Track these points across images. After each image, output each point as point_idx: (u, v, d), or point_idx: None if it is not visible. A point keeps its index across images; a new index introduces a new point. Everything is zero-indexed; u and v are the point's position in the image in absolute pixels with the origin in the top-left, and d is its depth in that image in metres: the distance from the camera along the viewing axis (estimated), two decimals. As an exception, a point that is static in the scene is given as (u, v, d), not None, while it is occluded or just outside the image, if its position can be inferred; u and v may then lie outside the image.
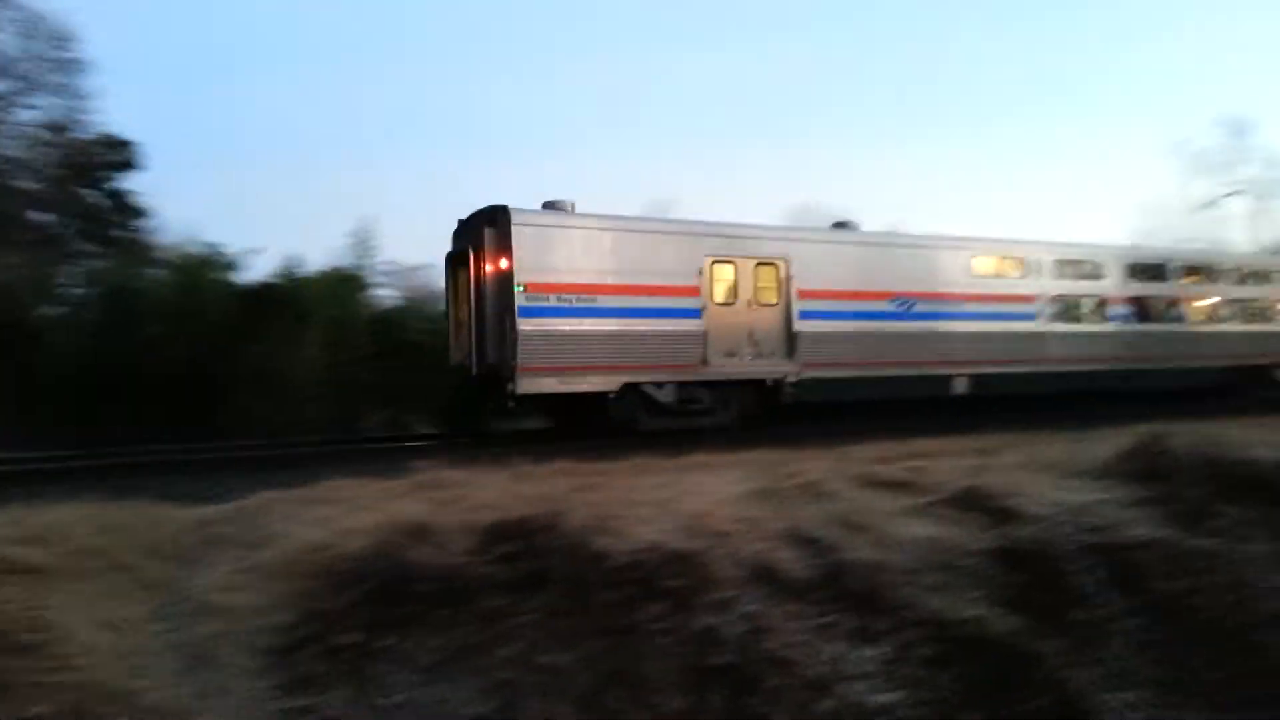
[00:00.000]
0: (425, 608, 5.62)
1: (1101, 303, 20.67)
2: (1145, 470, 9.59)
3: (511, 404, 14.76)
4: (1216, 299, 22.62)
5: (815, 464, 9.58)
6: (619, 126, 77.80)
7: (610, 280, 15.17)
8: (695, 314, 15.76)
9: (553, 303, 14.61)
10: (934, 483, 9.00)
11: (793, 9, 77.82)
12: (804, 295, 16.72)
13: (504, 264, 14.49)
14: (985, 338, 18.59)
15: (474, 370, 14.86)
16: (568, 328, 14.69)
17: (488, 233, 14.81)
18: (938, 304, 18.30)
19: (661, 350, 15.40)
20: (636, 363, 15.16)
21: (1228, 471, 9.28)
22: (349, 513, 6.64)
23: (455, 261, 15.78)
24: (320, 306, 19.74)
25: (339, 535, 6.12)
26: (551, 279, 14.64)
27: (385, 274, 23.69)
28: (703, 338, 15.75)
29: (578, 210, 15.64)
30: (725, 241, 16.48)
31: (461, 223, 16.06)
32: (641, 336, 15.23)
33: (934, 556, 7.22)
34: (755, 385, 16.39)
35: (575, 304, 14.78)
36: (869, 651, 6.10)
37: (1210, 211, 62.12)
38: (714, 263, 16.14)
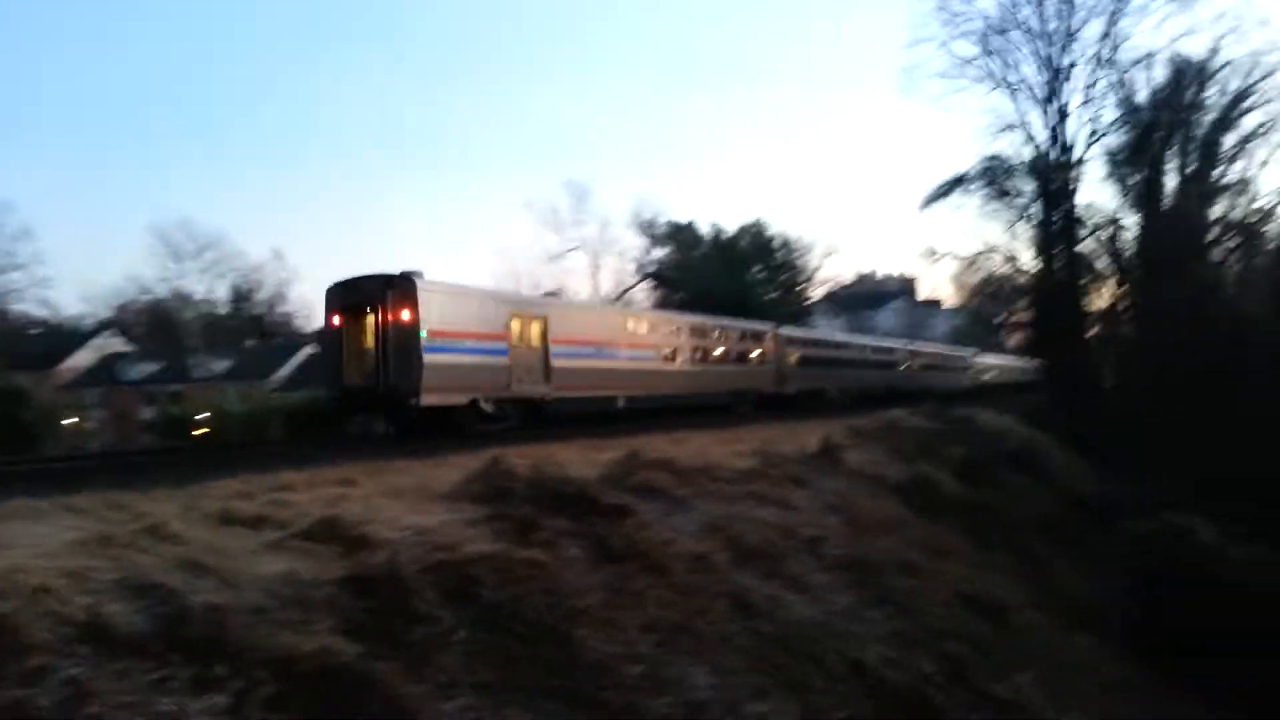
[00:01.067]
0: None
1: (681, 351, 30.84)
2: (489, 491, 10.67)
3: (414, 414, 19.62)
4: (722, 350, 33.75)
5: (163, 505, 8.82)
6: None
7: (466, 329, 21.01)
8: (504, 352, 22.02)
9: (438, 344, 19.83)
10: (292, 515, 8.90)
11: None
12: (555, 341, 23.56)
13: (407, 315, 19.43)
14: (630, 372, 27.14)
15: (379, 390, 19.49)
16: (449, 360, 20.17)
17: (390, 293, 19.62)
18: (612, 349, 26.66)
19: (493, 377, 21.67)
20: (477, 385, 21.13)
21: (553, 489, 10.76)
22: None
23: (346, 311, 20.36)
24: None
25: None
26: (440, 328, 19.97)
27: None
28: (508, 369, 22.08)
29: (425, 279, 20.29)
30: (517, 304, 24.06)
31: (347, 285, 20.60)
32: (481, 367, 21.35)
33: (285, 591, 7.10)
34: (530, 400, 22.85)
35: (451, 344, 20.29)
36: (207, 701, 5.75)
37: (558, 263, 72.45)
38: (513, 317, 22.66)
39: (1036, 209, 46.85)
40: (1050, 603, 17.11)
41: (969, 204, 48.54)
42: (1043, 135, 46.41)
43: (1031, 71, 46.38)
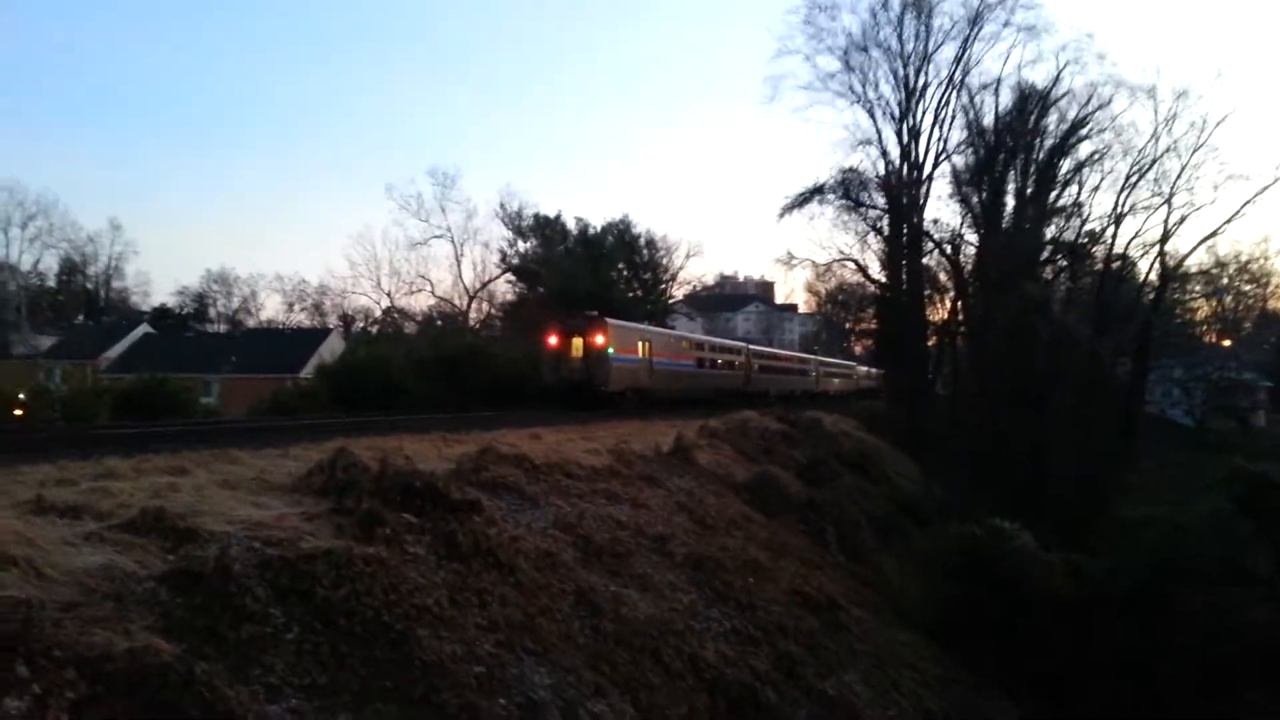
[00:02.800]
0: None
1: (704, 359, 44.35)
2: (332, 484, 10.35)
3: (602, 396, 31.88)
4: (722, 360, 46.42)
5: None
6: None
7: (624, 348, 34.14)
8: (637, 361, 35.35)
9: (616, 356, 33.06)
10: (115, 505, 8.40)
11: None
12: (655, 354, 36.83)
13: (600, 340, 32.48)
14: (676, 374, 39.72)
15: (584, 381, 32.07)
16: (620, 365, 33.39)
17: (590, 326, 33.15)
18: (674, 358, 39.82)
19: (634, 376, 34.58)
20: (630, 380, 34.50)
21: (401, 483, 10.52)
22: None
23: (561, 335, 33.26)
24: None
25: None
26: (616, 347, 33.21)
27: None
28: (637, 371, 35.49)
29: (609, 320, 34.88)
30: (641, 333, 37.12)
31: (562, 320, 34.48)
32: (631, 370, 34.46)
33: (101, 586, 6.70)
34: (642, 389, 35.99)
35: (620, 357, 33.47)
36: (1, 707, 5.36)
37: (420, 250, 70.77)
38: (643, 341, 36.52)
39: (886, 222, 49.14)
40: (877, 600, 18.02)
41: (825, 214, 50.37)
42: (896, 152, 48.84)
43: (889, 90, 48.74)
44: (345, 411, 27.90)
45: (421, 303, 73.13)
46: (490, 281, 69.93)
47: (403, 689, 7.22)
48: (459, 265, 69.63)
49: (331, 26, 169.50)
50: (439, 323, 69.86)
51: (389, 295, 72.44)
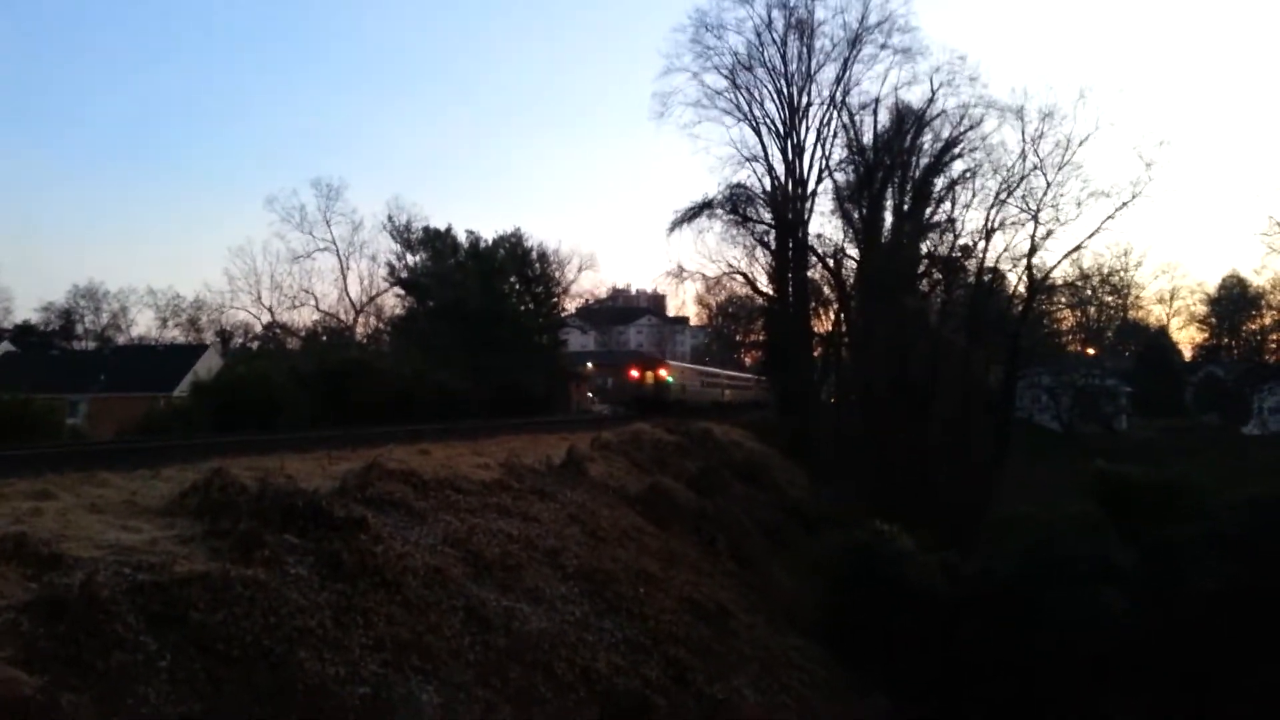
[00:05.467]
0: None
1: (708, 384, 59.03)
2: (208, 505, 10.01)
3: (667, 410, 42.92)
4: (741, 385, 63.77)
5: None
6: None
7: (679, 379, 51.78)
8: (682, 387, 51.80)
9: (673, 382, 49.51)
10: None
11: None
12: (674, 373, 51.22)
13: (664, 373, 49.48)
14: (701, 391, 56.25)
15: (655, 400, 46.36)
16: (675, 389, 49.32)
17: (656, 364, 52.58)
18: (694, 385, 55.63)
19: (682, 395, 50.42)
20: (679, 397, 48.89)
21: (282, 502, 10.25)
22: None
23: (634, 369, 51.33)
24: None
25: None
26: (675, 378, 50.31)
27: None
28: (680, 389, 50.52)
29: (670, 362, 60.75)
30: (680, 370, 56.38)
31: (637, 359, 61.53)
32: (680, 390, 50.45)
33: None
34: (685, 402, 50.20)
35: (677, 381, 50.45)
36: None
37: (303, 263, 68.79)
38: (682, 374, 54.17)
39: (773, 237, 50.34)
40: (766, 605, 18.41)
41: (714, 228, 51.16)
42: (781, 168, 50.08)
43: (774, 108, 49.97)
44: (224, 431, 26.87)
45: (305, 317, 70.86)
46: (378, 295, 68.31)
47: (283, 714, 7.06)
48: (345, 279, 67.87)
49: (206, 31, 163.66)
50: (324, 338, 67.89)
51: (270, 310, 69.91)
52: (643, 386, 48.22)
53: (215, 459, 12.61)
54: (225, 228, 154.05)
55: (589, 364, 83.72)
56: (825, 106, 49.80)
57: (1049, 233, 47.37)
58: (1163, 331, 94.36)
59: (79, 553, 7.67)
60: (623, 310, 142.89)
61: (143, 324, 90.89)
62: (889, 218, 50.59)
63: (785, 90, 49.72)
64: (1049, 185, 46.44)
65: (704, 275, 51.51)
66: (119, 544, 8.27)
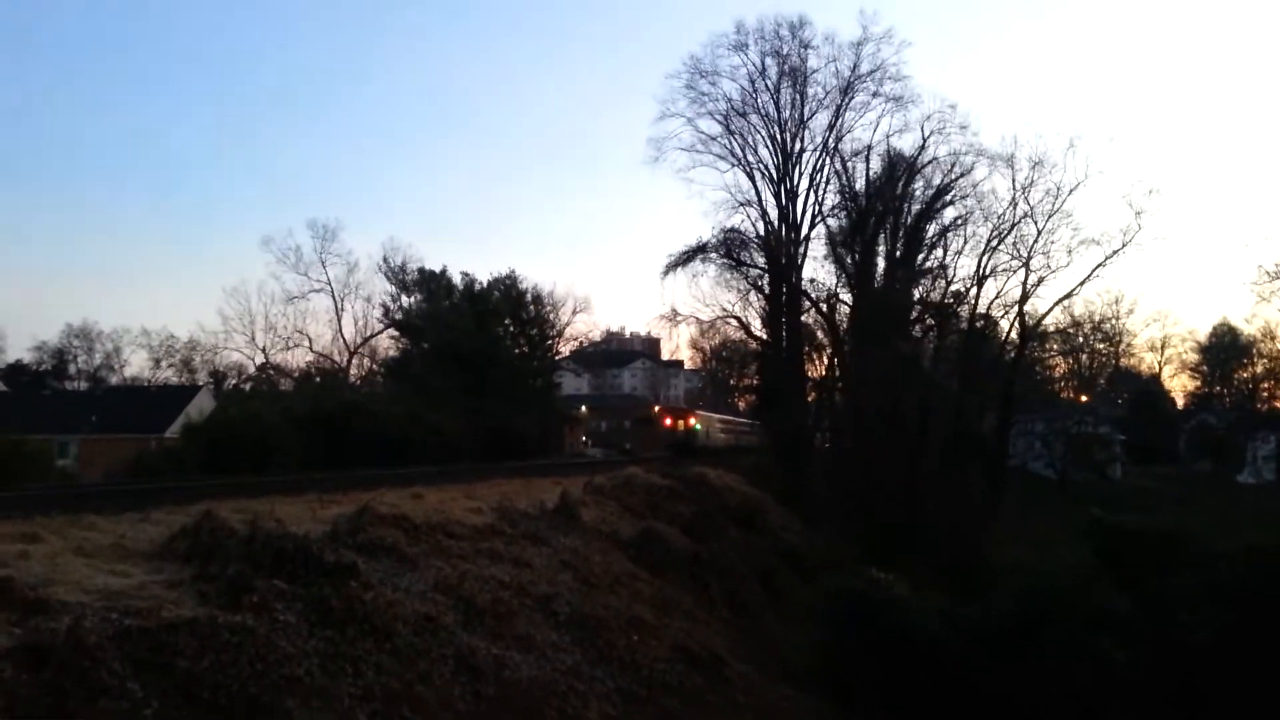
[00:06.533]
0: None
1: (727, 430, 66.94)
2: (197, 549, 9.92)
3: (695, 451, 51.67)
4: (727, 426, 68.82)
5: None
6: None
7: (704, 426, 61.20)
8: (706, 433, 61.37)
9: (698, 428, 59.19)
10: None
11: None
12: (699, 421, 61.69)
13: (693, 421, 60.12)
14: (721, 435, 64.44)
15: (685, 444, 54.02)
16: (700, 434, 58.62)
17: (686, 413, 64.25)
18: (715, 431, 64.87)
19: (707, 439, 60.14)
20: (703, 442, 57.27)
21: (271, 547, 10.16)
22: None
23: (668, 417, 62.07)
24: None
25: None
26: (701, 425, 60.16)
27: None
28: (704, 435, 60.02)
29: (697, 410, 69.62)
30: (705, 418, 64.55)
31: (667, 411, 68.12)
32: (703, 435, 59.67)
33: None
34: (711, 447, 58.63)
35: (701, 428, 60.01)
36: None
37: (298, 305, 68.92)
38: (707, 421, 63.75)
39: (767, 281, 50.59)
40: (759, 654, 18.21)
41: (708, 272, 51.34)
42: (775, 213, 50.43)
43: (767, 154, 50.45)
44: (215, 473, 26.68)
45: (299, 358, 70.74)
46: (373, 336, 68.34)
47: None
48: (339, 320, 67.95)
49: (204, 72, 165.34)
50: (317, 379, 67.71)
51: (264, 351, 69.79)
52: (675, 433, 56.94)
53: (205, 502, 12.52)
54: (220, 268, 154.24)
55: (583, 408, 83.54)
56: (818, 153, 50.35)
57: (1040, 280, 47.79)
58: (1155, 379, 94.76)
59: (66, 597, 7.58)
60: (617, 353, 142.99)
61: (136, 364, 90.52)
62: (881, 263, 50.92)
63: (778, 136, 50.29)
64: (1040, 233, 46.96)
65: (698, 319, 51.51)
66: (106, 588, 8.18)
